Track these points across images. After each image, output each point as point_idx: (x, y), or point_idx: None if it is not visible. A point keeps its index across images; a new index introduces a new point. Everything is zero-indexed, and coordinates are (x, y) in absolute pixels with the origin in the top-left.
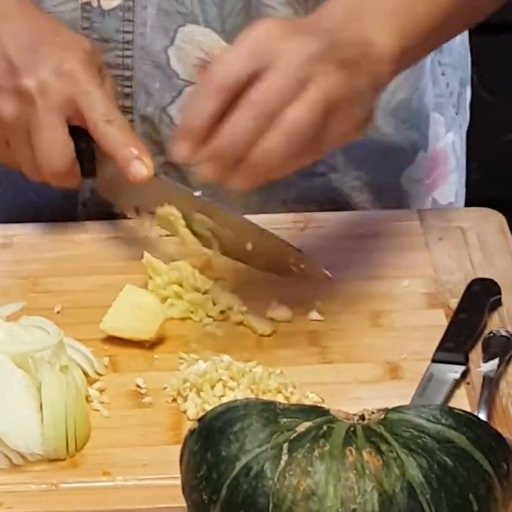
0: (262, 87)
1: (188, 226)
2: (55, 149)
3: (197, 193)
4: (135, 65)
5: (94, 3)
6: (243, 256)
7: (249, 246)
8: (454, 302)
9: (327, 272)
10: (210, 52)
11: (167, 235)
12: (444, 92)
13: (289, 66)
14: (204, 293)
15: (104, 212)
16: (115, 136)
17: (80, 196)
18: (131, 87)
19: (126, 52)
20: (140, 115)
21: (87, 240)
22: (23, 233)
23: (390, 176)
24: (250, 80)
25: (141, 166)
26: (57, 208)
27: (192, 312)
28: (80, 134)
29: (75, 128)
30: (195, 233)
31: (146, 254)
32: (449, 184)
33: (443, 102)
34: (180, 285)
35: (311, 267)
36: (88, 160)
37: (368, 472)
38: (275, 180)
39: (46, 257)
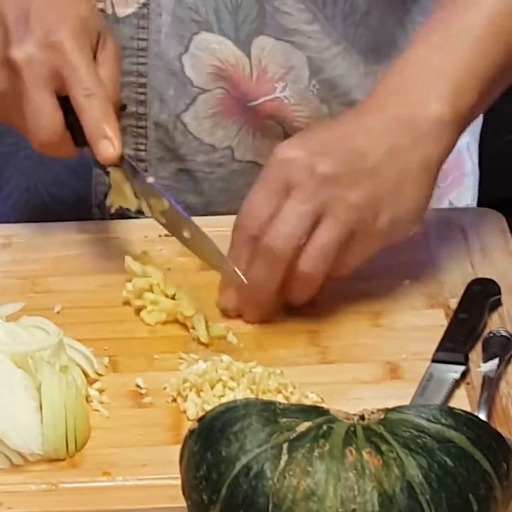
0: (271, 231)
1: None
2: (42, 121)
3: (150, 180)
4: (149, 72)
5: (109, 10)
6: (184, 242)
7: (186, 234)
8: (454, 302)
9: (242, 277)
10: (224, 59)
11: (167, 235)
12: None
13: (295, 205)
14: (173, 298)
15: (118, 214)
16: (90, 111)
17: (93, 200)
18: (145, 94)
19: (141, 60)
20: (154, 122)
21: (87, 240)
22: (23, 233)
23: None
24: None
25: (108, 146)
26: (69, 210)
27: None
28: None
29: (67, 98)
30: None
31: (127, 258)
32: (465, 187)
33: None
34: (152, 291)
35: (230, 272)
36: (80, 130)
37: (367, 472)
38: None
39: (46, 257)
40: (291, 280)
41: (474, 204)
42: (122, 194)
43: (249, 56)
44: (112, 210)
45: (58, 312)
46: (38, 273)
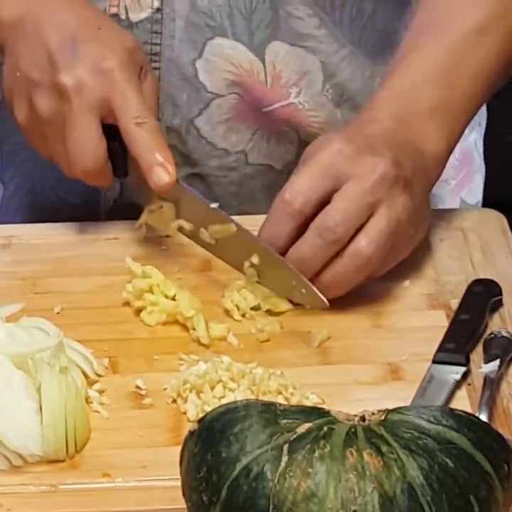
0: (330, 212)
1: (194, 232)
2: (87, 149)
3: (213, 205)
4: (162, 77)
5: (123, 15)
6: (246, 271)
7: (255, 260)
8: (454, 303)
9: (324, 299)
10: (238, 65)
11: (167, 236)
12: None
13: (356, 192)
14: (173, 299)
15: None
16: (142, 139)
17: (102, 206)
18: (158, 98)
19: (154, 64)
20: (167, 126)
21: (87, 240)
22: (23, 234)
23: None
24: (323, 202)
25: (163, 173)
26: (77, 214)
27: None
28: (114, 133)
29: (109, 126)
30: (194, 237)
31: (127, 259)
32: (476, 183)
33: None
34: (152, 292)
35: (310, 293)
36: (120, 160)
37: (368, 473)
38: None
39: (46, 258)
40: (339, 261)
41: (480, 202)
42: (160, 216)
43: (263, 61)
44: (142, 231)
45: (58, 313)
46: (38, 274)
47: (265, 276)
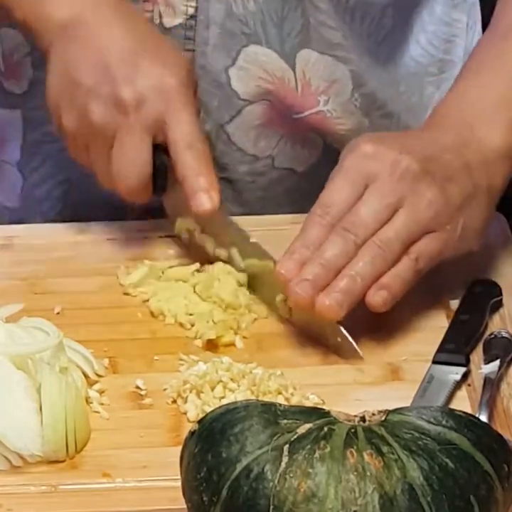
0: (350, 217)
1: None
2: (134, 167)
3: (253, 240)
4: None
5: (156, 20)
6: (279, 307)
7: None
8: (455, 303)
9: (360, 351)
10: (271, 72)
11: (167, 236)
12: None
13: (376, 196)
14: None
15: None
16: (190, 162)
17: (128, 211)
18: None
19: None
20: None
21: (87, 240)
22: (23, 234)
23: None
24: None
25: (206, 199)
26: (102, 214)
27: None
28: (157, 150)
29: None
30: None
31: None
32: None
33: None
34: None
35: (346, 343)
36: (162, 178)
37: (368, 474)
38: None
39: (46, 258)
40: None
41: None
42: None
43: (293, 69)
44: (181, 236)
45: (58, 313)
46: (38, 274)
47: (299, 318)
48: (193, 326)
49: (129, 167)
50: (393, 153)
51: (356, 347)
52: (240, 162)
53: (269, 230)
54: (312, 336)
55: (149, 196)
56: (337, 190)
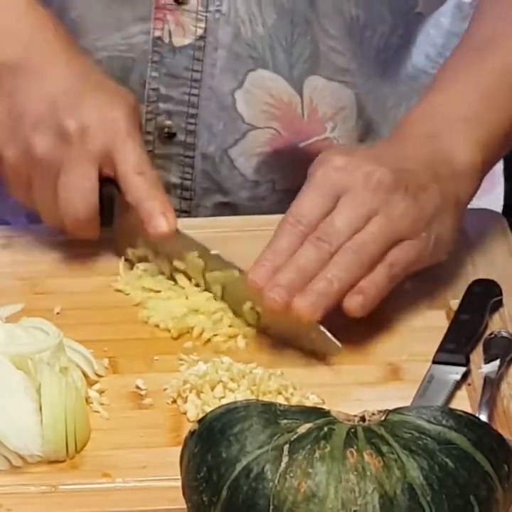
0: (330, 222)
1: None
2: (81, 197)
3: (214, 252)
4: (201, 104)
5: (166, 39)
6: (247, 315)
7: (259, 309)
8: (454, 303)
9: (337, 342)
10: (278, 97)
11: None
12: None
13: (349, 206)
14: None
15: None
16: (143, 187)
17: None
18: (195, 124)
19: (193, 91)
20: (201, 153)
21: (87, 241)
22: (23, 234)
23: None
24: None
25: (163, 221)
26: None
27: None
28: (101, 183)
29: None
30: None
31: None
32: (496, 194)
33: None
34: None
35: (321, 337)
36: (107, 209)
37: (368, 473)
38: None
39: (46, 258)
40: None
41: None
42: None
43: (301, 95)
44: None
45: (58, 313)
46: (38, 274)
47: (269, 324)
48: (188, 332)
49: (76, 197)
50: (365, 165)
51: (332, 337)
52: (241, 188)
53: (258, 230)
54: (283, 340)
55: (96, 231)
56: (308, 201)
